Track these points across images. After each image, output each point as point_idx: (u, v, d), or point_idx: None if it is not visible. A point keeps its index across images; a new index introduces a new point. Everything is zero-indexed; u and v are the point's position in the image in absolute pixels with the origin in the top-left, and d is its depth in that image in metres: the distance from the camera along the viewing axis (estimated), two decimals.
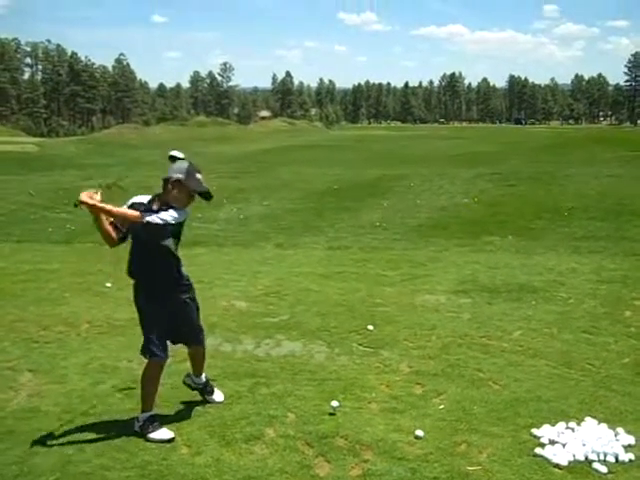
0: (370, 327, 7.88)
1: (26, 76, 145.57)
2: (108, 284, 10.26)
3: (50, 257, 13.19)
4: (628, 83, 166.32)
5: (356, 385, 6.21)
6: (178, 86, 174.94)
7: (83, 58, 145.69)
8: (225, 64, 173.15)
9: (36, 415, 5.68)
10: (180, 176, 5.23)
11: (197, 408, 5.76)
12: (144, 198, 5.40)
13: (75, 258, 13.08)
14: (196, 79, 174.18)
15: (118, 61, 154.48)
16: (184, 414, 5.65)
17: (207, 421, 5.50)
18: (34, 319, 8.59)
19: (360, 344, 7.40)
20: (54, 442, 5.18)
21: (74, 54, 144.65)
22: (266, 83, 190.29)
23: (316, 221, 17.38)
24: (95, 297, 9.73)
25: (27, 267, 12.17)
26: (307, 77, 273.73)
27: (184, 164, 5.31)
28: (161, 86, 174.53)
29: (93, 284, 10.50)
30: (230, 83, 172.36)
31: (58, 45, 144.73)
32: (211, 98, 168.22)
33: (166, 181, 5.29)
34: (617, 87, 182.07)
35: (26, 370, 6.75)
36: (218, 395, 5.97)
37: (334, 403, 5.64)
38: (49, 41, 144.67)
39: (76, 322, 8.41)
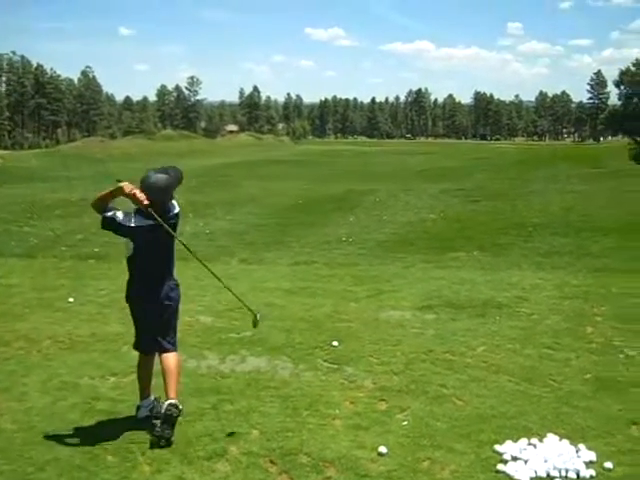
0: (335, 343, 7.86)
1: None
2: (70, 299, 10.16)
3: (12, 272, 13.01)
4: (591, 101, 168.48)
5: (320, 401, 6.19)
6: (145, 99, 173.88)
7: (49, 70, 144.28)
8: (192, 77, 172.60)
9: None
10: None
11: None
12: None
13: (37, 273, 12.91)
14: (163, 92, 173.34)
15: (84, 73, 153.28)
16: (145, 431, 5.57)
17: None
18: None
19: (325, 360, 7.38)
20: (13, 461, 5.09)
21: (39, 66, 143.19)
22: (233, 97, 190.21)
23: (282, 236, 17.36)
24: (57, 313, 9.60)
25: None
26: (275, 92, 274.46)
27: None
28: (127, 99, 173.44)
29: (55, 299, 10.36)
30: (197, 97, 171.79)
31: (23, 57, 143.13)
32: (178, 112, 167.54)
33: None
34: (580, 104, 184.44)
35: None
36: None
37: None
38: (14, 52, 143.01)
39: (37, 338, 8.28)
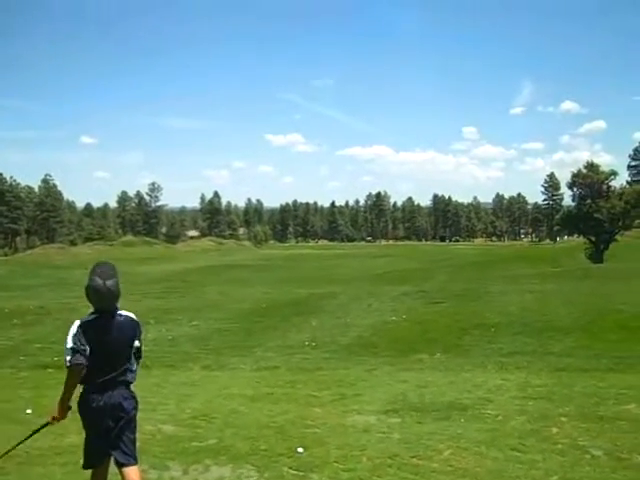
0: (300, 449, 7.75)
1: None
2: (28, 411, 9.92)
3: None
4: (545, 202, 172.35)
5: None
6: (105, 206, 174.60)
7: (8, 179, 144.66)
8: (153, 184, 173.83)
9: None
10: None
11: None
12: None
13: None
14: (124, 199, 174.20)
15: (45, 181, 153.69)
16: None
17: None
18: None
19: (290, 467, 7.25)
20: None
21: None
22: (194, 203, 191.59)
23: (245, 341, 17.26)
24: (14, 425, 9.35)
25: None
26: (235, 197, 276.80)
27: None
28: (88, 205, 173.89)
29: (11, 411, 10.10)
30: (158, 203, 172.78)
31: None
32: (139, 217, 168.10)
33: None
34: (536, 206, 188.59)
35: None
36: None
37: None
38: None
39: None
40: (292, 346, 16.27)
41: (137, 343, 5.69)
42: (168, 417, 9.51)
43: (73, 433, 8.59)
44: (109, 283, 5.45)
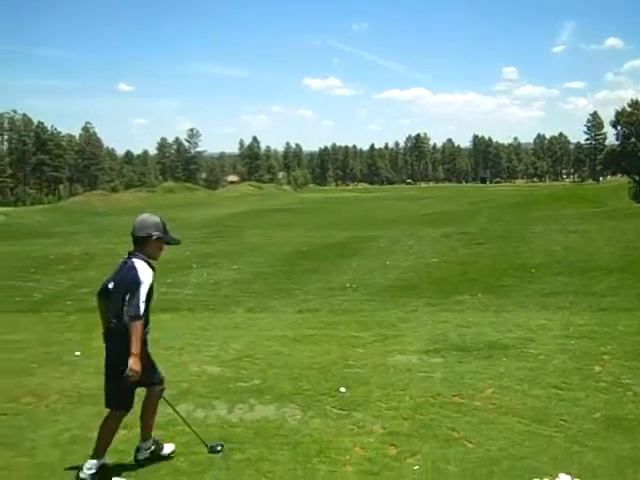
0: (342, 389, 7.85)
1: None
2: (77, 353, 10.16)
3: (17, 327, 13.01)
4: (588, 142, 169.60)
5: (330, 448, 6.17)
6: (145, 153, 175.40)
7: (49, 127, 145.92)
8: (192, 130, 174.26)
9: None
10: (158, 233, 5.81)
11: (168, 477, 5.68)
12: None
13: (43, 327, 12.92)
14: (163, 145, 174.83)
15: (85, 129, 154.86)
16: None
17: None
18: (2, 391, 8.45)
19: (333, 406, 7.36)
20: None
21: (40, 123, 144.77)
22: (233, 148, 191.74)
23: (286, 284, 17.37)
24: (64, 367, 9.60)
25: None
26: (274, 141, 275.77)
27: (156, 220, 5.90)
28: (128, 153, 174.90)
29: (62, 353, 10.37)
30: (197, 149, 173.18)
31: (24, 115, 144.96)
32: (179, 164, 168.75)
33: (143, 238, 5.77)
34: (578, 145, 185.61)
35: None
36: (168, 447, 6.09)
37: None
38: (15, 111, 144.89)
39: (45, 393, 8.28)
40: (333, 288, 16.35)
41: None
42: (212, 358, 9.68)
43: None
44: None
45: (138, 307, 5.50)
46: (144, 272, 5.64)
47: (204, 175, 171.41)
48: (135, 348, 5.45)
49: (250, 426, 6.79)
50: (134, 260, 5.72)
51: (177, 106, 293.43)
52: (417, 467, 5.68)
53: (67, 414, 7.48)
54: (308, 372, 8.75)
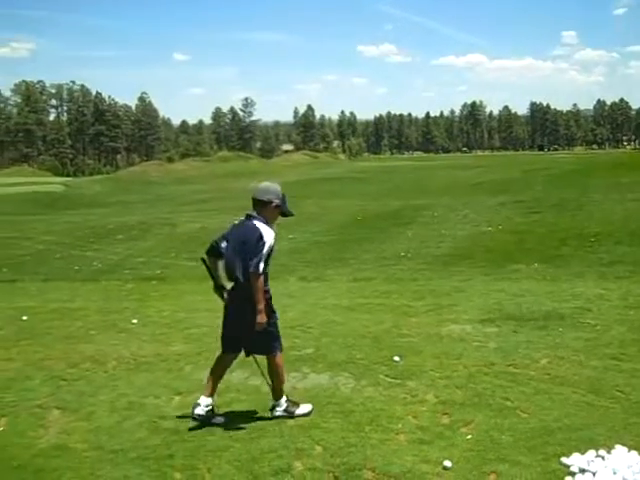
0: (396, 358, 7.84)
1: (52, 117, 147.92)
2: (134, 321, 10.34)
3: (76, 295, 13.31)
4: None
5: (383, 416, 6.17)
6: (200, 122, 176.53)
7: (107, 98, 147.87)
8: (246, 99, 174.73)
9: (64, 453, 5.71)
10: (278, 202, 6.12)
11: (223, 442, 5.75)
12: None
13: (101, 296, 13.18)
14: (218, 115, 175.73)
15: (141, 99, 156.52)
16: (210, 448, 5.64)
17: (234, 455, 5.49)
18: (62, 357, 8.65)
19: (386, 375, 7.35)
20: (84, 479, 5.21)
21: (98, 94, 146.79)
22: (288, 117, 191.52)
23: (340, 253, 17.40)
24: (121, 334, 9.78)
25: (54, 305, 12.30)
26: (328, 110, 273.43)
27: (278, 188, 6.23)
28: (184, 123, 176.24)
29: (119, 321, 10.57)
30: (252, 118, 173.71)
31: (82, 86, 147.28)
32: (233, 133, 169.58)
33: (264, 203, 6.09)
34: None
35: (54, 408, 6.79)
36: (304, 407, 6.32)
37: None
38: (73, 82, 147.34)
39: (103, 359, 8.45)
40: (387, 257, 16.33)
41: None
42: None
43: (177, 342, 8.99)
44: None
45: (258, 265, 5.85)
46: (267, 232, 5.98)
47: (259, 144, 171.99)
48: (260, 303, 5.89)
49: (303, 394, 6.82)
50: (255, 222, 6.03)
51: (231, 75, 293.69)
52: (470, 436, 5.65)
53: (124, 380, 7.62)
54: (361, 341, 8.76)
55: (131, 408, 6.69)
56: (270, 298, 6.20)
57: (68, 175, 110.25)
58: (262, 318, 5.92)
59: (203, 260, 6.27)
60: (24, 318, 11.04)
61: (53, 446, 5.87)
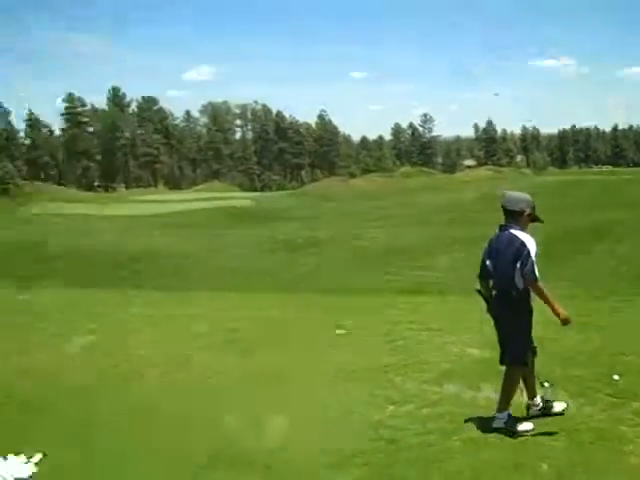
0: (616, 377, 7.48)
1: (237, 135, 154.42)
2: (338, 331, 10.48)
3: (273, 306, 13.62)
4: None
5: (606, 437, 5.91)
6: (380, 138, 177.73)
7: (288, 116, 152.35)
8: (425, 115, 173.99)
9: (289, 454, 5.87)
10: (530, 210, 6.28)
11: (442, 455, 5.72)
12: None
13: (292, 307, 13.46)
14: (397, 131, 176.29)
15: (320, 117, 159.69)
16: (430, 459, 5.61)
17: (454, 466, 5.47)
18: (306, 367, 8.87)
19: (607, 394, 7.04)
20: None
21: (279, 112, 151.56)
22: (468, 132, 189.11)
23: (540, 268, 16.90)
24: (323, 344, 9.89)
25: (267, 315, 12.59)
26: (509, 124, 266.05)
27: (528, 197, 6.41)
28: (364, 139, 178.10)
29: (324, 330, 10.72)
30: (432, 133, 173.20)
31: (264, 105, 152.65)
32: (414, 149, 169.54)
33: (517, 213, 6.24)
34: None
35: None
36: (558, 405, 6.52)
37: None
38: (256, 102, 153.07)
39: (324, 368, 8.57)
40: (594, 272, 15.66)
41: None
42: (471, 340, 9.57)
43: (385, 354, 9.02)
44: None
45: (534, 271, 6.03)
46: (528, 240, 6.12)
47: (440, 159, 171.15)
48: (550, 302, 6.06)
49: (521, 409, 6.65)
50: (513, 232, 6.18)
51: (408, 90, 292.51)
52: None
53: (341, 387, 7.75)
54: (577, 357, 8.43)
55: (349, 414, 6.82)
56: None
57: (256, 190, 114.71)
58: (563, 312, 6.09)
59: (478, 291, 6.53)
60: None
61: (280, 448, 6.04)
